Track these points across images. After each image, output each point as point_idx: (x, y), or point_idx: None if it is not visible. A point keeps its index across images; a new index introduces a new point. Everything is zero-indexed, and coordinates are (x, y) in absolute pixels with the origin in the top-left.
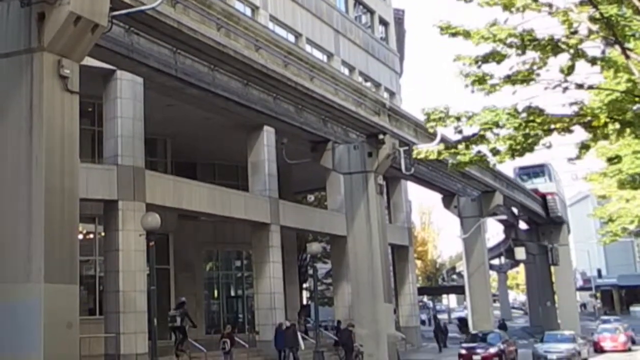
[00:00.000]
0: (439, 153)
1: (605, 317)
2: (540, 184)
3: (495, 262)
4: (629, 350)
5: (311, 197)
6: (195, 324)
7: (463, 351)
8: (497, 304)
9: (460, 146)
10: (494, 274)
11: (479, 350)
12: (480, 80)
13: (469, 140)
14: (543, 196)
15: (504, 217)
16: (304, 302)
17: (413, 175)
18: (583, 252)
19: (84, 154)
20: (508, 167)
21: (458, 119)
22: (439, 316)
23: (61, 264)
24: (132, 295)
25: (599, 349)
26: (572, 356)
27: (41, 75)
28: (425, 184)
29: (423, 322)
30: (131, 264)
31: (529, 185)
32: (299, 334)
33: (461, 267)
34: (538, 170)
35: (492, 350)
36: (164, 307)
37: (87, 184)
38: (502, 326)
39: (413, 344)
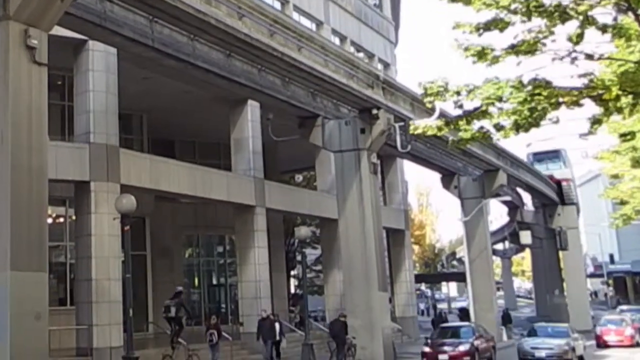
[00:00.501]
0: (439, 129)
1: (625, 307)
2: (556, 170)
3: (499, 246)
4: (638, 345)
5: (299, 177)
6: (192, 315)
7: (427, 349)
8: (501, 292)
9: (461, 122)
10: (497, 260)
11: (446, 349)
12: (481, 54)
13: (470, 115)
14: (558, 182)
15: (508, 198)
16: (292, 290)
17: (409, 153)
18: (594, 236)
19: (53, 130)
20: (512, 144)
21: (458, 93)
22: (438, 306)
23: (29, 250)
24: (105, 284)
25: (602, 344)
26: (564, 353)
27: (6, 45)
28: (423, 163)
29: (423, 312)
30: (104, 250)
31: (543, 171)
32: (277, 325)
33: (462, 252)
34: (553, 156)
35: (463, 347)
36: (140, 296)
37: (57, 163)
38: (506, 316)
39: (410, 335)
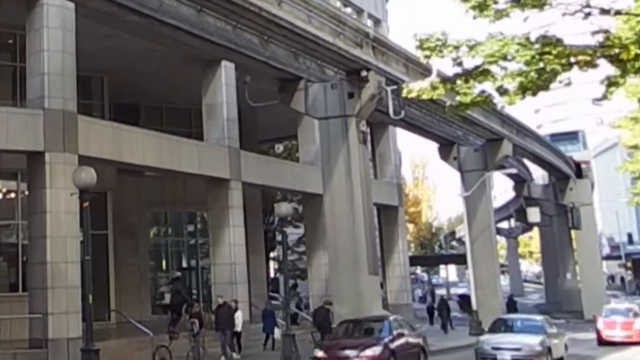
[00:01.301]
0: (434, 87)
1: None
2: (575, 152)
3: (504, 225)
4: None
5: (280, 148)
6: (192, 302)
7: (320, 354)
8: (506, 277)
9: (460, 81)
10: (502, 240)
11: (348, 354)
12: (482, 6)
13: (471, 75)
14: (577, 165)
15: (513, 170)
16: (272, 274)
17: (403, 120)
18: (610, 213)
19: (3, 95)
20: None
21: (457, 48)
22: (437, 291)
23: None
24: (62, 267)
25: (604, 341)
26: (537, 355)
27: None
28: (419, 131)
29: (422, 299)
30: (61, 229)
31: None
32: (239, 313)
33: (462, 231)
34: (571, 137)
35: (371, 352)
36: (101, 281)
37: (7, 131)
38: (511, 303)
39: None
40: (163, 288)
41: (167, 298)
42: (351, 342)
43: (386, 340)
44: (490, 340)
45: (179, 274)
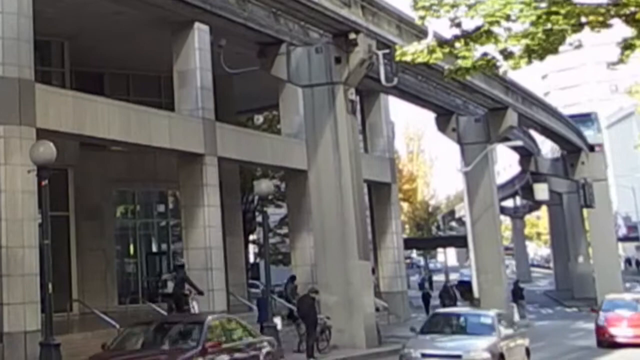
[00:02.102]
0: (430, 51)
1: None
2: (590, 136)
3: (509, 203)
4: None
5: (259, 119)
6: (201, 291)
7: None
8: (512, 261)
9: (459, 44)
10: (506, 221)
11: None
12: None
13: (471, 37)
14: (591, 148)
15: (519, 143)
16: (252, 259)
17: (396, 87)
18: (626, 190)
19: None
20: (524, 76)
21: (455, 7)
22: (437, 277)
23: None
24: (18, 253)
25: (606, 341)
26: None
27: None
28: (413, 100)
29: (421, 286)
30: (17, 211)
31: None
32: (195, 304)
33: (462, 211)
34: (585, 119)
35: None
36: (62, 268)
37: None
38: (517, 290)
39: (398, 315)
40: (165, 276)
41: (170, 287)
42: (140, 353)
43: (194, 350)
44: (419, 344)
45: (183, 261)
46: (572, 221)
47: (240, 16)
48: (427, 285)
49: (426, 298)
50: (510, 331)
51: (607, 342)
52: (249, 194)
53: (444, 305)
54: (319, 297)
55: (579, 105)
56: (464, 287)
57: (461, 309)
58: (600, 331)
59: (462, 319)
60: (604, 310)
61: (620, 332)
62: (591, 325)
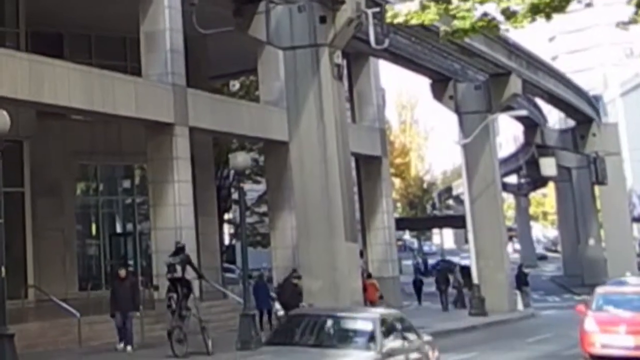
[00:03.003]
0: (424, 8)
1: None
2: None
3: (512, 180)
4: None
5: (235, 85)
6: (203, 275)
7: None
8: (516, 244)
9: (457, 1)
10: (509, 199)
11: None
12: None
13: None
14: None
15: (523, 112)
16: (227, 240)
17: (387, 50)
18: None
19: None
20: (529, 38)
21: None
22: (428, 259)
23: None
24: None
25: (594, 355)
26: None
27: None
28: (406, 64)
29: (419, 270)
30: None
31: None
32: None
33: (460, 188)
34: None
35: None
36: (16, 250)
37: None
38: (522, 276)
39: (389, 303)
40: (170, 259)
41: (179, 270)
42: None
43: None
44: None
45: (183, 242)
46: (582, 199)
47: None
48: (422, 269)
49: (417, 284)
50: (398, 344)
51: (597, 356)
52: (224, 169)
53: (439, 289)
54: (301, 283)
55: (590, 70)
56: (462, 272)
57: (335, 310)
58: (587, 339)
59: (330, 323)
60: (594, 309)
61: (614, 340)
62: None
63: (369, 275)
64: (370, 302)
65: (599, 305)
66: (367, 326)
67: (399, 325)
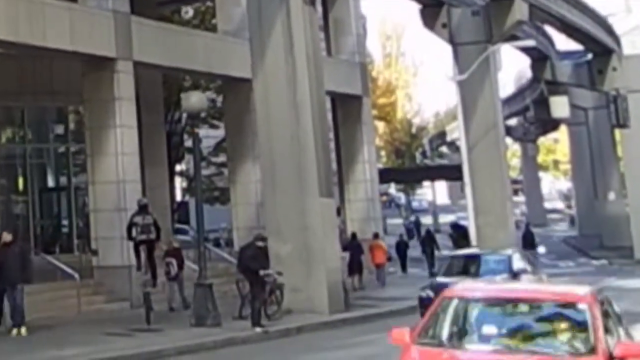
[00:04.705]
0: None
1: None
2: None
3: (517, 122)
4: None
5: (188, 12)
6: (160, 236)
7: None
8: (521, 198)
9: None
10: (514, 145)
11: None
12: None
13: None
14: None
15: (530, 43)
16: (179, 196)
17: None
18: None
19: None
20: None
21: None
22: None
23: None
24: None
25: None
26: None
27: None
28: None
29: (410, 233)
30: None
31: None
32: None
33: (456, 132)
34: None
35: None
36: None
37: None
38: (529, 236)
39: (371, 270)
40: (138, 218)
41: (154, 232)
42: None
43: None
44: None
45: (145, 200)
46: (600, 146)
47: None
48: (413, 229)
49: (402, 248)
50: None
51: None
52: (175, 111)
53: (425, 253)
54: (267, 247)
55: None
56: (458, 232)
57: None
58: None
59: None
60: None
61: None
62: (629, 283)
63: (376, 235)
64: (376, 266)
65: (436, 328)
66: None
67: None
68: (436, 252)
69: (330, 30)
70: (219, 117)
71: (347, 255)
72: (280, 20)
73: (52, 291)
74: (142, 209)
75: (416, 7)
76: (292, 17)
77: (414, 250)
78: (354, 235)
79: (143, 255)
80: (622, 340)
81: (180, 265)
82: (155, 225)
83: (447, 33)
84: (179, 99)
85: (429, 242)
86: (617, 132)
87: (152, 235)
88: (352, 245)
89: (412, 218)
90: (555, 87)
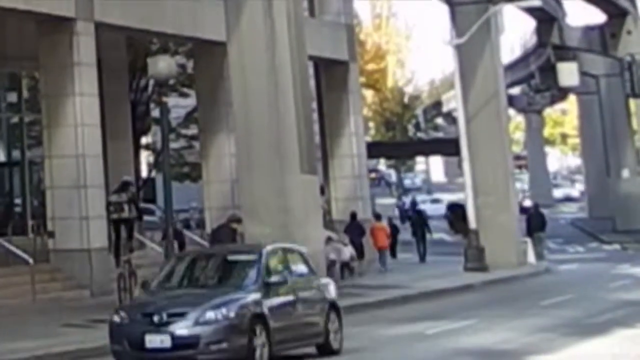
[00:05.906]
0: None
1: None
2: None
3: (520, 91)
4: None
5: None
6: (142, 216)
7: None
8: (525, 175)
9: None
10: (517, 117)
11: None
12: None
13: None
14: None
15: (536, 2)
16: (144, 172)
17: None
18: None
19: None
20: None
21: None
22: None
23: None
24: None
25: None
26: None
27: None
28: None
29: (403, 212)
30: None
31: None
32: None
33: (453, 102)
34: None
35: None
36: None
37: None
38: (535, 218)
39: (353, 256)
40: (115, 197)
41: (127, 210)
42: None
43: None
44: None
45: (129, 178)
46: (612, 117)
47: None
48: (408, 210)
49: (392, 232)
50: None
51: None
52: (141, 78)
53: (415, 235)
54: (242, 229)
55: None
56: (456, 213)
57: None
58: None
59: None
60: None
61: None
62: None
63: (378, 217)
64: (379, 250)
65: None
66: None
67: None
68: (428, 236)
69: None
70: (189, 85)
71: (346, 237)
72: None
73: (3, 277)
74: (122, 187)
75: None
76: None
77: (406, 233)
78: (353, 215)
79: (114, 235)
80: None
81: (182, 247)
82: (133, 202)
83: None
84: (145, 65)
85: (419, 224)
86: (632, 102)
87: (125, 214)
88: (351, 226)
89: (406, 198)
90: (564, 52)
